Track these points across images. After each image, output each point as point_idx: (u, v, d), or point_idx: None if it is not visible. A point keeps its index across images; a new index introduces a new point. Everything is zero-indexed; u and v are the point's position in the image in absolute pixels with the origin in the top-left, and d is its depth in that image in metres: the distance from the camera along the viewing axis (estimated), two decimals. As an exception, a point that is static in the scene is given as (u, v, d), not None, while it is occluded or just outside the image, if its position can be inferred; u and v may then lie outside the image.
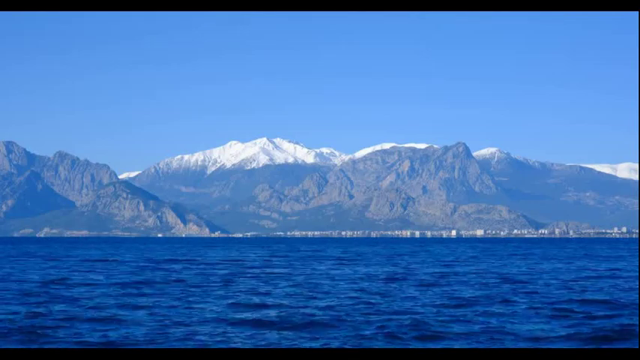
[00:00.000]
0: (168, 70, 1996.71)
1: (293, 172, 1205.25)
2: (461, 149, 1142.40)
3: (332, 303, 37.68)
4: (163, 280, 53.87)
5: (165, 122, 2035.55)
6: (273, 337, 26.88)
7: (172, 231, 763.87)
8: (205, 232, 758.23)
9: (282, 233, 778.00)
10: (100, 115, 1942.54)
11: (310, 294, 43.08)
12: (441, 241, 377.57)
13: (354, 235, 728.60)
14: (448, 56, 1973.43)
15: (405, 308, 35.36)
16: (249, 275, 61.20)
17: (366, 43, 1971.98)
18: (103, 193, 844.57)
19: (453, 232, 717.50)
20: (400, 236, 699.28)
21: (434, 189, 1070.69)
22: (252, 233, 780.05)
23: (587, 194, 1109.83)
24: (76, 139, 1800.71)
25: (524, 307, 36.12)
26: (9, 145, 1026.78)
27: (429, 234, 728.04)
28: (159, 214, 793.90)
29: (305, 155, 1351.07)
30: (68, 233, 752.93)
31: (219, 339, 26.53)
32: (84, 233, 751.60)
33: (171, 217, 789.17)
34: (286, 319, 31.34)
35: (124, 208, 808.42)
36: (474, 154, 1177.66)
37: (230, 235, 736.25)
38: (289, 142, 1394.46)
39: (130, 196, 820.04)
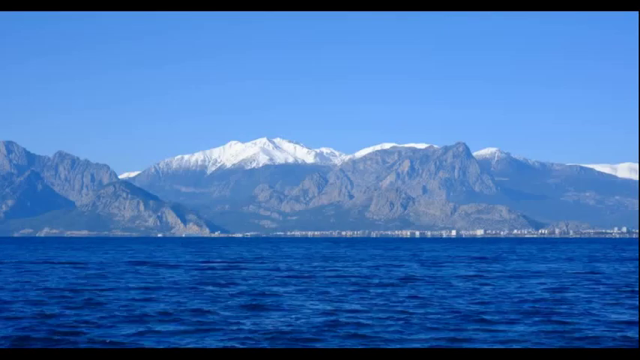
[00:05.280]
0: (168, 70, 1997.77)
1: (293, 172, 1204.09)
2: (461, 149, 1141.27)
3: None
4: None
5: (165, 122, 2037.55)
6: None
7: (172, 231, 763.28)
8: (205, 232, 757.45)
9: (282, 233, 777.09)
10: (99, 115, 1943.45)
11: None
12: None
13: (354, 235, 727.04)
14: (448, 56, 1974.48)
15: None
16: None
17: (366, 43, 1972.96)
18: (103, 193, 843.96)
19: (453, 232, 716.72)
20: (400, 236, 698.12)
21: (434, 189, 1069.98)
22: (252, 233, 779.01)
23: (587, 194, 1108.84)
24: (75, 139, 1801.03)
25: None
26: (9, 145, 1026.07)
27: (429, 234, 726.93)
28: (159, 214, 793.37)
29: (305, 155, 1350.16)
30: (68, 233, 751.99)
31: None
32: (84, 233, 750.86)
33: (171, 217, 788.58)
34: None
35: (124, 208, 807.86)
36: (474, 154, 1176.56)
37: (230, 235, 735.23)
38: (289, 142, 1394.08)
39: (130, 196, 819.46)
